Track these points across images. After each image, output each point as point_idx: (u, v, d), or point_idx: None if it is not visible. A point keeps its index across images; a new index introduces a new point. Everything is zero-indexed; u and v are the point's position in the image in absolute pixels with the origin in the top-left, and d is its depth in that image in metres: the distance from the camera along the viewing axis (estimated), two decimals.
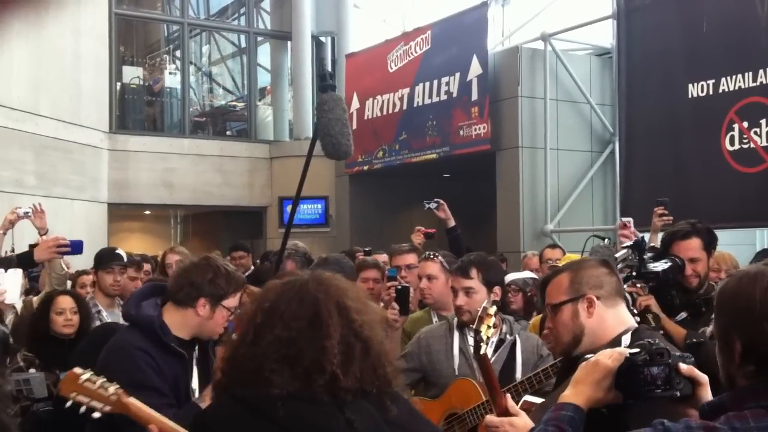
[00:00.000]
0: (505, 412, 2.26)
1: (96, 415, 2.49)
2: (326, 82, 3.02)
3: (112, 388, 2.50)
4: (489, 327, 2.40)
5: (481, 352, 2.35)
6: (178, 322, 2.86)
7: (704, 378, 1.92)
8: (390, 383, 1.89)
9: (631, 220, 4.31)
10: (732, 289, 1.78)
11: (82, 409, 2.49)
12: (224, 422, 1.81)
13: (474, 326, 2.40)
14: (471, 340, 2.42)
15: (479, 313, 2.40)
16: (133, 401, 2.52)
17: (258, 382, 1.79)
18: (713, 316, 1.80)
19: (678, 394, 1.88)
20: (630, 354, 1.92)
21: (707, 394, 1.90)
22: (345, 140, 3.00)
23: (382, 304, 4.51)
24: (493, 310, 2.43)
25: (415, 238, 5.97)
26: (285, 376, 1.78)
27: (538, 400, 2.58)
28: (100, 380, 2.51)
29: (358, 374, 1.83)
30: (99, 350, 2.92)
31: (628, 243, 3.77)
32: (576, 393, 1.99)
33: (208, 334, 2.97)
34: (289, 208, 13.82)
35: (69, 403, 2.50)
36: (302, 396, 1.77)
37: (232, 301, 2.93)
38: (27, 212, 5.56)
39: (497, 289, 3.70)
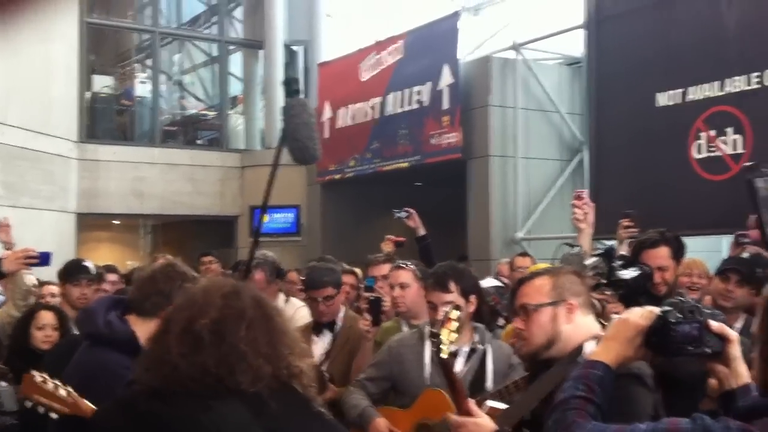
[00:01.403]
0: (468, 415, 2.26)
1: (53, 415, 2.53)
2: (292, 87, 2.99)
3: (64, 391, 2.54)
4: (451, 332, 2.38)
5: (442, 355, 2.34)
6: (146, 334, 2.53)
7: (734, 335, 1.92)
8: (264, 381, 1.79)
9: (586, 191, 4.27)
10: None
11: (41, 409, 2.53)
12: (102, 421, 1.91)
13: (435, 330, 2.39)
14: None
15: (442, 317, 2.40)
16: (87, 403, 2.53)
17: (136, 381, 1.86)
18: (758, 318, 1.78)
19: (709, 351, 1.89)
20: (662, 312, 1.92)
21: (737, 351, 1.91)
22: (312, 144, 2.96)
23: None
24: (455, 314, 2.42)
25: (385, 246, 5.98)
26: (150, 374, 1.81)
27: (502, 405, 2.58)
28: (52, 382, 2.56)
29: (211, 367, 1.77)
30: (66, 364, 2.81)
31: (598, 250, 3.78)
32: (606, 350, 1.96)
33: None
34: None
35: (30, 404, 2.55)
36: (160, 390, 1.77)
37: None
38: None
39: (473, 298, 3.66)
